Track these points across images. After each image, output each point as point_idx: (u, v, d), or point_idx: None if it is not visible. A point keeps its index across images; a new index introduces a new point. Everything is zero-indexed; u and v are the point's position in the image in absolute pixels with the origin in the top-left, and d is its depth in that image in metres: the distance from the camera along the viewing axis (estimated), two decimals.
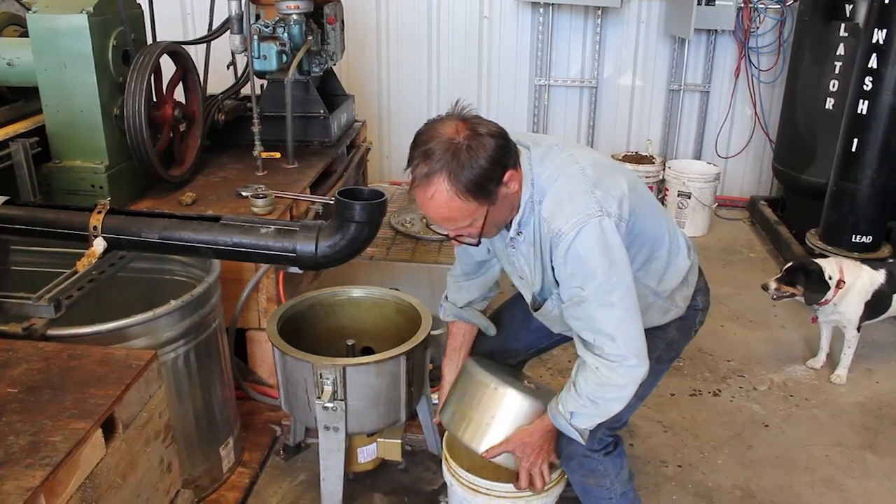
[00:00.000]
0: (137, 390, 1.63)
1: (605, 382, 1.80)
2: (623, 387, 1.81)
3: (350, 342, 2.36)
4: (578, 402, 1.85)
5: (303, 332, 2.38)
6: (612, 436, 2.05)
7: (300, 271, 2.57)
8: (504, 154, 1.70)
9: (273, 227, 2.10)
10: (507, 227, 1.87)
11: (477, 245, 1.83)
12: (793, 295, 3.24)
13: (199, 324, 2.20)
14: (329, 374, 2.06)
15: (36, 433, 1.43)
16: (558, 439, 2.02)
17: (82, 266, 2.06)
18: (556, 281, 1.84)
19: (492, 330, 2.26)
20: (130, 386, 1.60)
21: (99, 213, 2.12)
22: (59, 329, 1.91)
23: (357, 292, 2.49)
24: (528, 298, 2.00)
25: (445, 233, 1.78)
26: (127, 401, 1.59)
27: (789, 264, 3.29)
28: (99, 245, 2.09)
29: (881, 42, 3.54)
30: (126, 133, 2.73)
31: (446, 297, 2.26)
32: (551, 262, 1.81)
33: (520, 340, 2.30)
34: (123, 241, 2.12)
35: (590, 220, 1.73)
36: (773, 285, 3.26)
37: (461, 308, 2.23)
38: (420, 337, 2.20)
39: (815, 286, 3.17)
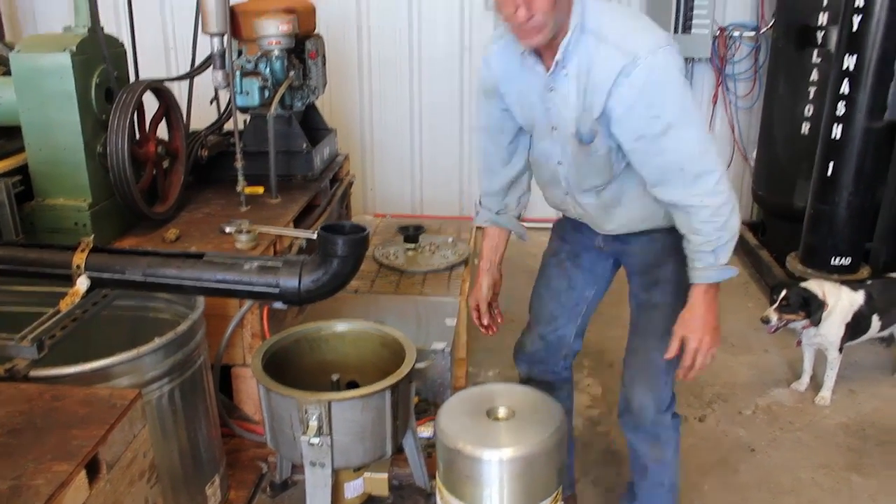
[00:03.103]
0: (121, 430, 1.62)
1: (714, 207, 1.88)
2: (728, 198, 1.89)
3: (335, 377, 2.36)
4: (711, 243, 1.91)
5: (288, 367, 2.38)
6: (673, 392, 2.22)
7: (285, 307, 2.57)
8: None
9: (256, 263, 2.11)
10: (547, 66, 1.89)
11: (540, 29, 1.78)
12: (790, 322, 3.24)
13: (184, 361, 2.20)
14: (314, 409, 2.06)
15: (18, 477, 1.42)
16: (640, 400, 2.19)
17: (65, 305, 2.06)
18: (603, 119, 1.86)
19: (525, 237, 2.37)
20: (114, 426, 1.60)
21: (82, 251, 2.12)
22: (42, 370, 1.90)
23: (341, 326, 2.49)
24: (558, 156, 2.05)
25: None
26: (111, 441, 1.58)
27: (782, 293, 3.25)
28: (82, 284, 2.09)
29: (851, 68, 3.61)
30: (109, 171, 2.74)
31: (480, 203, 2.32)
32: (606, 97, 1.81)
33: (563, 307, 2.38)
34: (107, 280, 2.12)
35: (666, 46, 1.79)
36: (774, 316, 3.23)
37: (496, 213, 2.31)
38: (404, 370, 2.20)
39: (818, 309, 3.19)
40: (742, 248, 5.01)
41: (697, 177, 1.87)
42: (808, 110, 4.30)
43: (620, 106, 1.81)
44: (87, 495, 1.49)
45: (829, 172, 3.82)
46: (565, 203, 2.20)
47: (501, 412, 2.07)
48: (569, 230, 2.35)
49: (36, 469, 1.44)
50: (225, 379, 2.79)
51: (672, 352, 2.04)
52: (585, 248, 2.32)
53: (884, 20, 3.49)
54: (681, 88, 1.83)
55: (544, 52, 1.89)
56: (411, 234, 3.81)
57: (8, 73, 2.83)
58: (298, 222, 3.25)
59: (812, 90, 4.28)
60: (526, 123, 2.11)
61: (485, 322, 2.38)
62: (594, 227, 2.22)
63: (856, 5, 3.51)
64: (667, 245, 2.12)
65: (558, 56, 1.85)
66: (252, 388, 2.74)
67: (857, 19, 3.52)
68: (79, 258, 2.11)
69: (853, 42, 3.58)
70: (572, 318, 2.40)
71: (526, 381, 2.49)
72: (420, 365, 2.41)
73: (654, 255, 2.17)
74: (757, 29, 4.98)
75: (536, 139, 2.11)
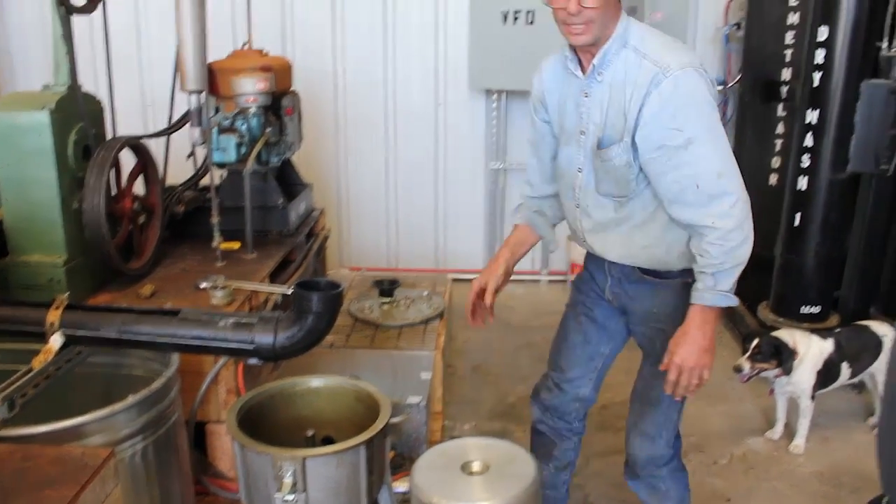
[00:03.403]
0: (93, 490, 1.61)
1: (725, 231, 1.92)
2: (740, 225, 1.94)
3: (310, 432, 2.35)
4: (713, 266, 1.95)
5: (263, 423, 2.36)
6: (677, 443, 2.32)
7: (260, 363, 2.57)
8: None
9: (231, 319, 2.13)
10: (583, 69, 2.02)
11: (587, 25, 1.89)
12: (762, 371, 3.28)
13: (158, 418, 2.18)
14: (289, 465, 2.05)
15: None
16: (639, 444, 2.29)
17: (38, 363, 2.05)
18: (633, 128, 1.94)
19: (553, 245, 2.48)
20: (86, 486, 1.58)
21: (56, 308, 2.12)
22: (13, 429, 1.88)
23: (316, 382, 2.49)
24: (580, 162, 2.12)
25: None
26: (82, 502, 1.57)
27: (754, 342, 3.29)
28: (56, 341, 2.09)
29: (814, 122, 3.73)
30: (85, 227, 2.75)
31: (520, 204, 2.45)
32: (639, 108, 1.91)
33: (581, 366, 2.43)
34: (82, 337, 2.12)
35: (696, 68, 1.90)
36: (747, 365, 3.25)
37: (535, 212, 2.40)
38: (379, 425, 2.20)
39: (789, 357, 3.24)
40: None
41: (712, 197, 1.93)
42: (776, 162, 4.42)
43: (648, 113, 1.92)
44: None
45: (797, 223, 3.91)
46: (574, 221, 2.25)
47: (476, 466, 2.08)
48: (585, 279, 2.40)
49: None
50: (199, 436, 2.77)
51: (664, 366, 2.07)
52: (598, 301, 2.36)
53: (843, 77, 3.62)
54: (706, 108, 1.92)
55: (584, 57, 2.02)
56: (386, 288, 3.84)
57: None
58: (274, 277, 3.27)
59: (778, 143, 4.40)
60: (558, 130, 2.20)
61: (488, 302, 2.32)
62: (598, 253, 2.26)
63: (816, 62, 3.65)
64: (670, 295, 2.16)
65: (596, 60, 1.97)
66: (226, 445, 2.72)
67: (817, 76, 3.65)
68: (53, 315, 2.11)
69: (814, 97, 3.71)
70: (587, 372, 2.44)
71: (537, 423, 2.54)
72: (395, 419, 2.40)
73: (657, 305, 2.20)
74: (724, 83, 5.11)
75: (563, 145, 2.18)
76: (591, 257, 2.35)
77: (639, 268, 2.18)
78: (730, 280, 1.98)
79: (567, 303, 2.50)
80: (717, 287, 1.97)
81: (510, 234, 2.46)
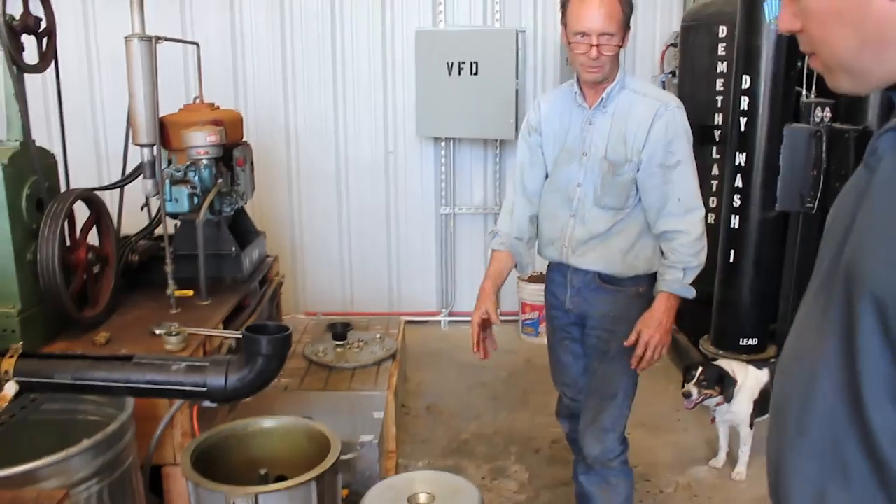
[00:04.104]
0: None
1: (693, 237, 2.40)
2: (701, 235, 2.43)
3: (263, 471, 2.42)
4: (683, 262, 2.40)
5: (217, 464, 2.42)
6: (625, 443, 2.66)
7: (214, 405, 2.63)
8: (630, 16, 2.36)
9: (184, 363, 2.20)
10: (588, 103, 2.47)
11: (609, 56, 2.34)
12: (708, 397, 3.42)
13: (113, 461, 2.24)
14: (242, 502, 2.12)
15: None
16: (591, 442, 2.61)
17: None
18: (634, 148, 2.40)
19: (530, 268, 2.81)
20: None
21: (11, 357, 2.17)
22: None
23: (268, 423, 2.56)
24: (579, 179, 2.51)
25: (595, 42, 2.29)
26: None
27: (699, 369, 3.44)
28: (10, 389, 2.13)
29: (742, 164, 3.95)
30: (40, 277, 2.80)
31: (497, 233, 2.71)
32: (647, 133, 2.38)
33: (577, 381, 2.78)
34: (36, 384, 2.17)
35: (681, 107, 2.44)
36: (694, 391, 3.39)
37: (516, 238, 2.67)
38: (329, 462, 2.28)
39: (730, 385, 3.40)
40: None
41: (689, 210, 2.43)
42: (713, 202, 4.62)
43: (653, 137, 2.40)
44: None
45: (732, 259, 4.11)
46: (564, 229, 2.57)
47: (422, 498, 2.17)
48: (552, 306, 2.76)
49: None
50: (156, 479, 2.81)
51: (630, 342, 2.44)
52: (571, 322, 2.70)
53: (766, 121, 3.85)
54: (689, 138, 2.45)
55: (589, 94, 2.48)
56: (339, 331, 3.92)
57: None
58: (228, 323, 3.33)
59: (714, 183, 4.61)
60: (554, 153, 2.58)
61: (495, 324, 2.55)
62: (572, 260, 2.57)
63: (741, 108, 3.88)
64: (623, 301, 2.54)
65: (603, 95, 2.44)
66: (182, 487, 2.75)
67: (743, 121, 3.88)
68: (7, 364, 2.16)
69: (742, 141, 3.93)
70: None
71: (570, 434, 2.90)
72: (346, 456, 2.48)
73: (614, 309, 2.56)
74: None
75: (561, 165, 2.56)
76: (552, 277, 2.72)
77: (599, 276, 2.55)
78: (692, 276, 2.45)
79: (547, 334, 2.90)
80: (683, 280, 2.43)
81: (489, 264, 2.71)
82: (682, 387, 3.45)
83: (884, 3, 0.90)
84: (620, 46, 2.35)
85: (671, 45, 5.14)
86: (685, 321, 5.07)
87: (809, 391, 0.99)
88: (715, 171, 4.59)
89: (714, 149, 4.58)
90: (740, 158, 3.94)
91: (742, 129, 3.91)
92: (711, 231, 4.50)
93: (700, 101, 4.60)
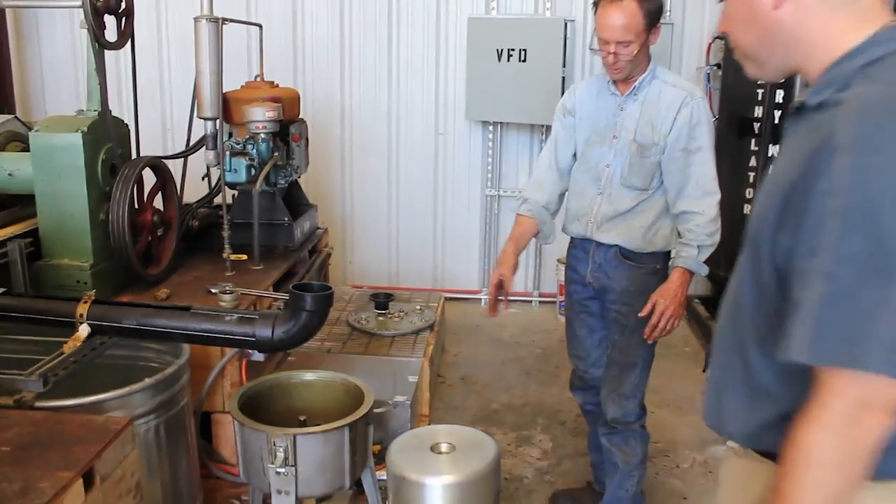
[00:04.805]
0: (114, 449, 1.92)
1: (708, 218, 2.58)
2: (715, 217, 2.61)
3: (302, 418, 2.66)
4: (699, 240, 2.59)
5: (261, 410, 2.67)
6: (644, 409, 2.88)
7: (261, 358, 2.88)
8: (659, 16, 2.55)
9: (236, 315, 2.46)
10: (621, 91, 2.66)
11: (626, 60, 2.53)
12: None
13: (169, 401, 2.50)
14: (281, 441, 2.36)
15: (26, 480, 1.70)
16: (618, 402, 2.80)
17: (68, 348, 2.38)
18: (661, 132, 2.59)
19: (551, 238, 2.95)
20: (108, 445, 1.89)
21: (85, 302, 2.46)
22: (46, 401, 2.20)
23: (309, 375, 2.80)
24: (609, 160, 2.71)
25: (613, 51, 2.49)
26: (105, 457, 1.87)
27: None
28: (84, 330, 2.41)
29: (776, 155, 4.04)
30: (110, 236, 3.09)
31: (525, 199, 2.91)
32: (673, 119, 2.57)
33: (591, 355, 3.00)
34: (106, 327, 2.45)
35: (705, 98, 2.67)
36: None
37: (542, 206, 2.86)
38: (362, 411, 2.50)
39: None
40: (694, 320, 5.37)
41: (706, 193, 2.61)
42: (749, 193, 4.71)
43: (680, 122, 2.58)
44: (82, 501, 1.78)
45: None
46: (591, 206, 2.77)
47: (444, 447, 2.39)
48: (572, 280, 2.95)
49: (42, 475, 1.73)
50: (205, 425, 3.08)
51: (645, 311, 2.62)
52: (589, 296, 2.90)
53: None
54: (711, 127, 2.63)
55: (620, 84, 2.68)
56: (382, 301, 4.16)
57: (26, 149, 3.21)
58: (277, 287, 3.59)
59: (752, 175, 4.69)
60: (586, 134, 2.78)
61: (508, 289, 2.75)
62: (596, 235, 2.77)
63: (776, 101, 3.97)
64: (641, 276, 2.73)
65: (635, 84, 2.64)
66: (229, 433, 3.02)
67: (777, 114, 3.98)
68: (82, 308, 2.45)
69: (775, 133, 4.03)
70: (602, 354, 2.95)
71: (584, 406, 3.13)
72: (378, 410, 2.70)
73: (632, 284, 2.74)
74: None
75: (592, 146, 2.76)
76: (574, 253, 2.91)
77: (620, 251, 2.73)
78: (706, 254, 2.63)
79: (566, 309, 3.07)
80: (697, 257, 2.61)
81: (513, 227, 2.93)
82: (704, 370, 3.59)
83: (768, 14, 1.24)
84: (641, 49, 2.52)
85: (718, 37, 5.22)
86: (715, 306, 5.17)
87: (722, 324, 1.39)
88: (753, 162, 4.67)
89: (753, 141, 4.66)
90: (773, 150, 4.05)
91: (776, 121, 4.00)
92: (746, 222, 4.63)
93: (742, 93, 4.68)
